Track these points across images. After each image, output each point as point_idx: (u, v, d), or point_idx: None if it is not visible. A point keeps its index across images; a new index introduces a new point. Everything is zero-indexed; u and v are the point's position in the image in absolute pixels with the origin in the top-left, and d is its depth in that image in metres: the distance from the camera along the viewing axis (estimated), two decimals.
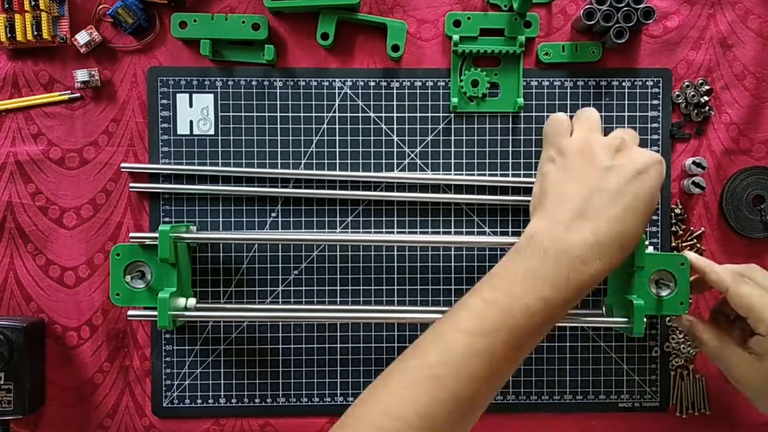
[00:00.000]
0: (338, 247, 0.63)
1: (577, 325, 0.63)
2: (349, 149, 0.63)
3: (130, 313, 0.58)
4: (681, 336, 0.63)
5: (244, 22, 0.61)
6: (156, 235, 0.55)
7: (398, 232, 0.63)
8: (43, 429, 0.63)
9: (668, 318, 0.63)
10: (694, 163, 0.62)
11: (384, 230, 0.63)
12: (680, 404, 0.64)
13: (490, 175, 0.63)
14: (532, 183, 0.62)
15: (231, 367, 0.63)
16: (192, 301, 0.59)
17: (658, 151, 0.63)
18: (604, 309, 0.60)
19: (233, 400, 0.63)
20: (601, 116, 0.62)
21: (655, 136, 0.63)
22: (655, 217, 0.63)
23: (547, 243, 0.46)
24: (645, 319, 0.54)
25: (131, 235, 0.57)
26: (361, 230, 0.63)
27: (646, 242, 0.56)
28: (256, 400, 0.63)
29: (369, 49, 0.63)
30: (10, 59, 0.62)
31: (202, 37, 0.61)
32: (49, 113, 0.62)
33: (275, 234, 0.62)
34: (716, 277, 0.53)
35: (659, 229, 0.63)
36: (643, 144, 0.63)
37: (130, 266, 0.57)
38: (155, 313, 0.55)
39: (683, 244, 0.64)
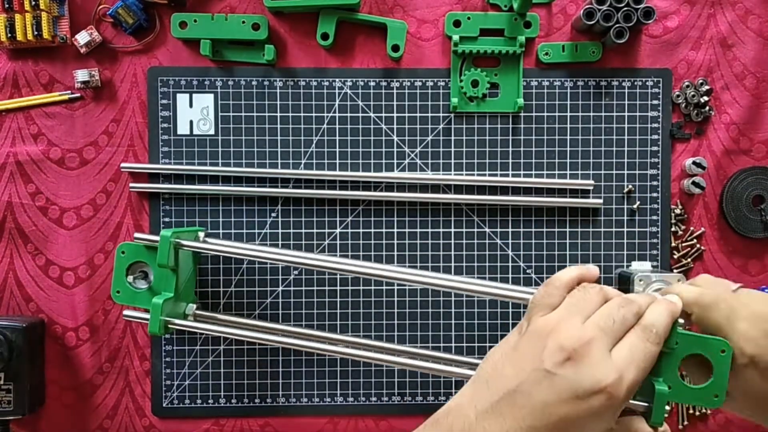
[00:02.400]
0: (338, 246, 0.63)
1: None
2: (349, 149, 0.63)
3: (125, 313, 0.57)
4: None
5: (244, 22, 0.61)
6: (146, 316, 0.55)
7: (398, 233, 0.63)
8: (43, 429, 0.63)
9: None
10: (694, 163, 0.62)
11: (384, 230, 0.63)
12: (680, 406, 0.64)
13: (490, 175, 0.63)
14: (532, 183, 0.63)
15: (231, 367, 0.63)
16: (192, 307, 0.58)
17: (657, 152, 0.63)
18: None
19: (233, 400, 0.63)
20: (600, 116, 0.63)
21: (655, 136, 0.63)
22: (654, 218, 0.63)
23: (458, 427, 0.40)
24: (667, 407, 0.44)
25: (136, 235, 0.57)
26: (361, 230, 0.63)
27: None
28: (256, 400, 0.63)
29: (369, 49, 0.63)
30: (10, 59, 0.62)
31: (202, 37, 0.61)
32: (49, 113, 0.62)
33: (272, 252, 0.61)
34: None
35: (659, 230, 0.63)
36: (643, 144, 0.63)
37: (133, 266, 0.57)
38: (149, 315, 0.55)
39: (683, 244, 0.64)
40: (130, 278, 0.57)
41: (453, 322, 0.63)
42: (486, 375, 0.42)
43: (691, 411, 0.64)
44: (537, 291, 0.45)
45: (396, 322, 0.63)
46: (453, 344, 0.63)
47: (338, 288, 0.63)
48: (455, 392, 0.63)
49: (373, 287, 0.63)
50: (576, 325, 0.41)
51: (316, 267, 0.56)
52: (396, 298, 0.63)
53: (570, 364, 0.39)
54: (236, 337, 0.58)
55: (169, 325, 0.56)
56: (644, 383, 0.43)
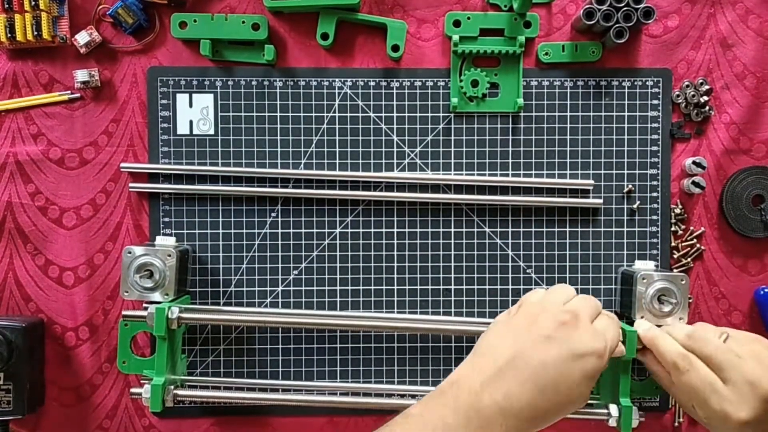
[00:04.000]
0: (338, 246, 0.63)
1: None
2: (349, 149, 0.63)
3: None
4: None
5: (244, 22, 0.61)
6: (144, 313, 0.56)
7: (398, 233, 0.63)
8: (43, 429, 0.63)
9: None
10: (694, 163, 0.62)
11: (384, 230, 0.63)
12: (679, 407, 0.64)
13: (490, 175, 0.63)
14: (532, 183, 0.63)
15: (231, 367, 0.63)
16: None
17: (657, 152, 0.63)
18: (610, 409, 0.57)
19: (233, 400, 0.63)
20: (600, 116, 0.63)
21: (655, 136, 0.63)
22: (654, 218, 0.63)
23: (463, 396, 0.43)
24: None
25: (124, 313, 0.58)
26: (361, 230, 0.63)
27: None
28: (256, 400, 0.63)
29: (369, 49, 0.63)
30: (10, 59, 0.62)
31: (202, 37, 0.61)
32: (49, 113, 0.62)
33: (278, 314, 0.60)
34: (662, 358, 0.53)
35: (659, 230, 0.63)
36: (643, 144, 0.63)
37: (139, 266, 0.57)
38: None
39: (683, 244, 0.64)
40: (137, 278, 0.57)
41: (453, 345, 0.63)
42: (484, 349, 0.47)
43: None
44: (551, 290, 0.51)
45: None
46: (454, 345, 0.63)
47: (338, 288, 0.63)
48: None
49: (372, 287, 0.63)
50: (561, 303, 0.49)
51: (314, 326, 0.60)
52: (407, 298, 0.63)
53: (566, 328, 0.46)
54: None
55: (177, 394, 0.57)
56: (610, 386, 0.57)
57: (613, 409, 0.56)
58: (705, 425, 0.51)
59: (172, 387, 0.57)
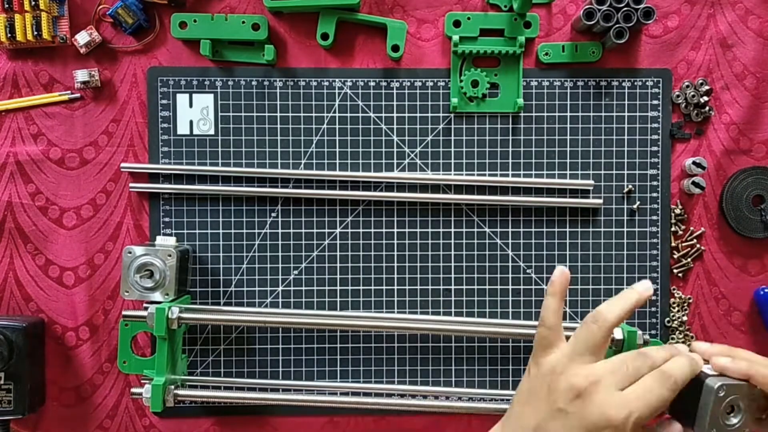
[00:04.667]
0: (338, 246, 0.63)
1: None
2: (349, 149, 0.63)
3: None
4: (682, 336, 0.63)
5: (244, 22, 0.61)
6: (144, 313, 0.56)
7: (398, 233, 0.63)
8: (43, 429, 0.63)
9: (667, 319, 0.63)
10: (694, 163, 0.62)
11: (384, 230, 0.63)
12: None
13: (490, 175, 0.63)
14: (533, 183, 0.63)
15: (231, 367, 0.63)
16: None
17: (657, 152, 0.63)
18: None
19: (233, 400, 0.63)
20: (600, 116, 0.63)
21: (655, 136, 0.63)
22: (654, 218, 0.63)
23: None
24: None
25: (124, 313, 0.58)
26: (361, 230, 0.63)
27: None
28: (256, 400, 0.63)
29: (369, 49, 0.63)
30: (10, 59, 0.62)
31: (202, 37, 0.61)
32: (49, 113, 0.62)
33: (278, 314, 0.61)
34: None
35: (659, 230, 0.63)
36: (643, 144, 0.63)
37: (140, 266, 0.57)
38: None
39: (683, 244, 0.64)
40: (137, 277, 0.57)
41: (461, 348, 0.63)
42: (514, 415, 0.45)
43: None
44: (537, 331, 0.47)
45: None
46: (453, 365, 0.63)
47: (338, 288, 0.63)
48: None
49: (372, 287, 0.63)
50: (587, 366, 0.43)
51: (314, 326, 0.59)
52: (407, 298, 0.64)
53: (580, 401, 0.42)
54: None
55: (177, 393, 0.58)
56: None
57: None
58: None
59: (173, 387, 0.57)
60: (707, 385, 0.43)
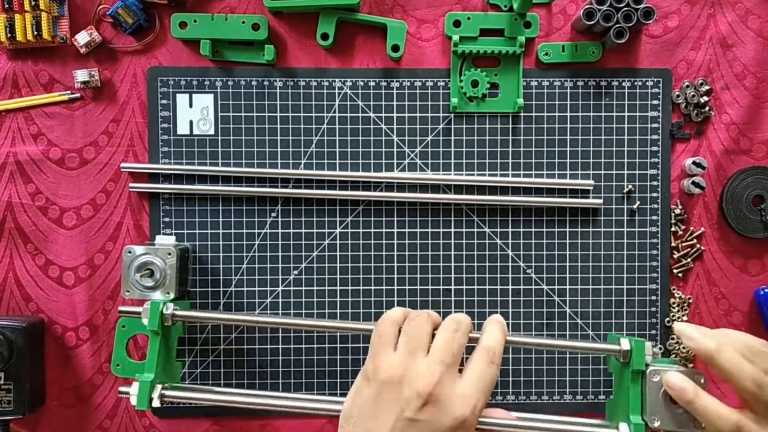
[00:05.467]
0: (338, 246, 0.63)
1: (580, 322, 0.63)
2: (349, 149, 0.63)
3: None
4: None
5: (244, 22, 0.61)
6: (139, 309, 0.56)
7: (398, 233, 0.63)
8: (43, 429, 0.63)
9: (667, 319, 0.63)
10: (694, 163, 0.62)
11: (384, 230, 0.63)
12: None
13: (490, 175, 0.63)
14: (533, 183, 0.63)
15: (231, 367, 0.63)
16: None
17: (657, 152, 0.63)
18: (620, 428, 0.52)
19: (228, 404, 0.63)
20: (600, 116, 0.63)
21: (655, 136, 0.63)
22: (654, 218, 0.63)
23: None
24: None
25: (120, 308, 0.57)
26: (361, 230, 0.63)
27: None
28: (256, 400, 0.63)
29: (369, 49, 0.63)
30: (10, 59, 0.62)
31: (202, 37, 0.61)
32: (49, 113, 0.62)
33: (278, 315, 0.61)
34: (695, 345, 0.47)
35: (659, 230, 0.63)
36: (643, 144, 0.63)
37: (140, 265, 0.57)
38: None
39: (683, 244, 0.64)
40: (137, 276, 0.57)
41: None
42: (352, 430, 0.45)
43: None
44: (373, 332, 0.48)
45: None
46: None
47: (338, 288, 0.63)
48: None
49: (372, 287, 0.63)
50: (422, 365, 0.45)
51: (314, 327, 0.58)
52: (407, 298, 0.64)
53: (428, 408, 0.43)
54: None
55: (164, 394, 0.55)
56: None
57: (623, 428, 0.51)
58: None
59: (160, 386, 0.54)
60: (647, 374, 0.50)
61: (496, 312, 0.63)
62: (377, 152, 0.63)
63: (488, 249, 0.63)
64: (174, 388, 0.56)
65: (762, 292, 0.63)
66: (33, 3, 0.59)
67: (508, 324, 0.63)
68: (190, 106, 0.63)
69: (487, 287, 0.63)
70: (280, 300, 0.63)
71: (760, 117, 0.64)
